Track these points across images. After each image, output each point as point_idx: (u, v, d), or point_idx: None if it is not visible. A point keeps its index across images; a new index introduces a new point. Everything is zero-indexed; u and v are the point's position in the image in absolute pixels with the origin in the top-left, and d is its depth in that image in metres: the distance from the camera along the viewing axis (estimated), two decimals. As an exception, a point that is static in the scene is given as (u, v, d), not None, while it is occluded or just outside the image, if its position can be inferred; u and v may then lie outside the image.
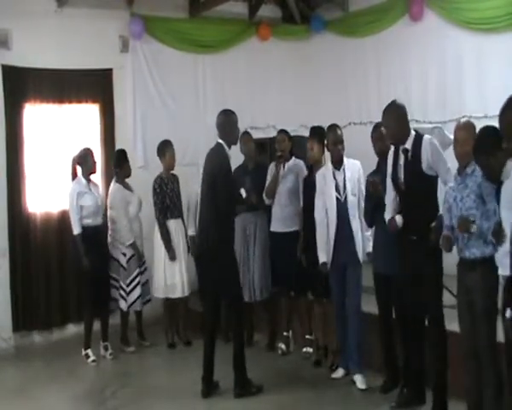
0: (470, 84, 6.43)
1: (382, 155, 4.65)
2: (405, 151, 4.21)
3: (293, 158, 5.81)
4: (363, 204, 4.93)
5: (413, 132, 4.25)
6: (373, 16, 7.45)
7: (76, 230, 5.76)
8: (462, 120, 4.02)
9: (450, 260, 4.02)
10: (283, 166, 5.73)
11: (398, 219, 4.25)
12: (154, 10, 7.23)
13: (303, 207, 5.51)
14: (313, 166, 5.43)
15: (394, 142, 4.31)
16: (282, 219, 5.70)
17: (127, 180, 6.25)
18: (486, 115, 4.79)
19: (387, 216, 4.36)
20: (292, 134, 6.05)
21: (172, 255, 6.13)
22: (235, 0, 7.45)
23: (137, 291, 6.13)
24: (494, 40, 6.17)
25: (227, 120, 4.99)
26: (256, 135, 6.71)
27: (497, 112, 3.32)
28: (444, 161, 4.17)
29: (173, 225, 6.19)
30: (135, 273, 6.11)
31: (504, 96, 3.32)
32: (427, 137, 4.22)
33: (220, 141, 4.97)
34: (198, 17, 7.56)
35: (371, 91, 7.55)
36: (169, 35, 7.40)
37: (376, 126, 4.77)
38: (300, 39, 8.27)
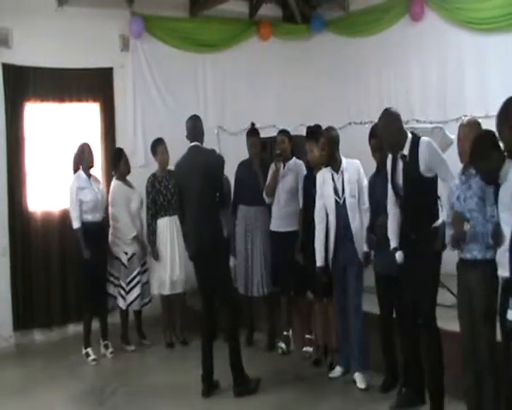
0: (471, 84, 6.43)
1: (382, 164, 4.66)
2: (403, 157, 4.18)
3: (294, 158, 5.79)
4: (363, 205, 4.92)
5: (410, 136, 4.19)
6: (373, 16, 7.45)
7: (76, 224, 5.78)
8: (467, 117, 4.01)
9: (450, 260, 4.02)
10: (283, 166, 5.73)
11: (399, 257, 4.23)
12: (154, 9, 7.24)
13: (303, 207, 5.51)
14: (314, 168, 5.44)
15: (391, 149, 4.28)
16: (280, 219, 5.70)
17: (128, 178, 6.26)
18: (487, 115, 4.76)
19: (390, 225, 4.35)
20: (292, 134, 6.02)
21: (156, 256, 6.18)
22: (235, -1, 7.47)
23: (137, 291, 6.14)
24: (494, 40, 6.17)
25: (198, 124, 5.07)
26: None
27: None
28: (442, 160, 4.14)
29: (167, 222, 6.18)
30: (135, 272, 6.13)
31: (504, 96, 3.35)
32: (423, 139, 4.16)
33: (196, 143, 5.00)
34: (198, 16, 7.58)
35: (371, 91, 7.56)
36: (169, 34, 7.41)
37: (371, 135, 4.72)
38: (301, 39, 8.27)
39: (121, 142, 6.97)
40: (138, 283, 6.15)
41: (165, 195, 6.17)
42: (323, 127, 5.56)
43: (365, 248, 4.88)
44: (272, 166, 5.80)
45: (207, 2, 7.44)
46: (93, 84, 6.92)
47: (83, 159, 5.90)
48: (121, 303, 6.15)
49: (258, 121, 6.85)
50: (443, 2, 6.71)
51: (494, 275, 3.55)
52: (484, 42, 6.30)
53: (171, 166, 6.11)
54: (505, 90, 3.43)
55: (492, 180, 3.48)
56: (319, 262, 5.03)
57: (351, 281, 4.95)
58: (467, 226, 3.64)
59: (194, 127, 5.05)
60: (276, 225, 5.75)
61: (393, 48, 7.23)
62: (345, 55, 7.82)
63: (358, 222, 4.95)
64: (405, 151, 4.17)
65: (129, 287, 6.13)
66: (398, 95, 6.93)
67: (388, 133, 4.21)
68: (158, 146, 6.21)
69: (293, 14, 8.22)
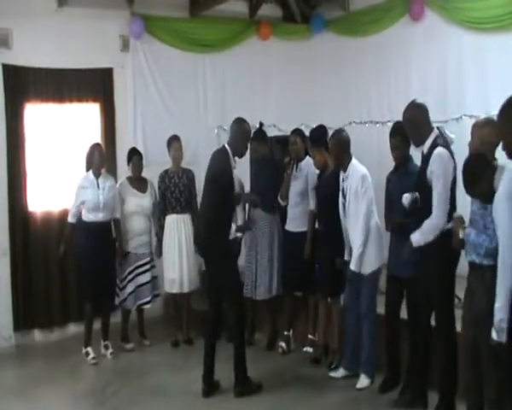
0: (471, 84, 6.43)
1: (398, 163, 4.68)
2: (422, 154, 4.18)
3: (307, 158, 5.69)
4: (361, 219, 4.84)
5: (434, 134, 4.11)
6: (373, 16, 7.44)
7: (69, 218, 5.95)
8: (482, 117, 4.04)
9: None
10: (296, 168, 5.69)
11: (405, 199, 4.19)
12: (154, 10, 7.23)
13: (318, 206, 5.51)
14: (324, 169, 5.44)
15: (412, 142, 4.29)
16: (292, 220, 5.73)
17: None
18: (487, 115, 4.77)
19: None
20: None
21: (159, 252, 6.27)
22: (235, -1, 7.46)
23: (128, 289, 6.15)
24: (495, 39, 6.16)
25: (239, 128, 5.01)
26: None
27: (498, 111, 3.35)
28: (436, 184, 3.99)
29: (174, 220, 6.20)
30: (127, 271, 6.15)
31: (505, 96, 3.34)
32: (437, 151, 4.02)
33: (227, 146, 4.98)
34: (198, 16, 7.56)
35: (371, 91, 7.55)
36: (169, 34, 7.40)
37: (391, 134, 4.69)
38: (301, 39, 8.26)
39: (121, 142, 6.98)
40: (130, 281, 6.15)
41: (173, 192, 6.19)
42: (324, 127, 5.59)
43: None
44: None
45: (207, 2, 7.43)
46: (93, 85, 6.91)
47: (91, 160, 5.95)
48: (116, 300, 6.19)
49: (259, 121, 6.86)
50: (443, 1, 6.70)
51: (493, 280, 3.53)
52: (484, 42, 6.28)
53: (185, 165, 6.27)
54: (505, 90, 3.41)
55: (491, 199, 3.40)
56: (346, 256, 5.08)
57: (363, 284, 4.91)
58: (462, 234, 3.67)
59: (233, 130, 5.03)
60: (289, 225, 5.77)
61: (393, 48, 7.22)
62: (345, 55, 7.81)
63: (356, 233, 4.87)
64: (425, 149, 4.13)
65: (122, 284, 6.17)
66: (398, 95, 6.92)
67: (407, 125, 4.22)
68: (172, 141, 6.26)
69: (293, 14, 8.21)
